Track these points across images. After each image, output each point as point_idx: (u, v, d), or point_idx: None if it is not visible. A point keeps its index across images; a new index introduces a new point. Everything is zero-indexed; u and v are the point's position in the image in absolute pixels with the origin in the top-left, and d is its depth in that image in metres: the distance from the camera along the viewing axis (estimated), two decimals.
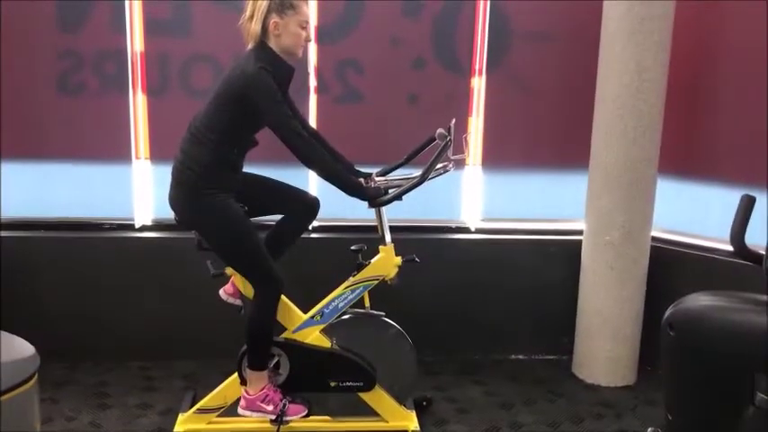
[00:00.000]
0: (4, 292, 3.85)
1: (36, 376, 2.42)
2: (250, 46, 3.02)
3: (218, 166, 3.00)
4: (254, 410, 3.15)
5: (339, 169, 3.07)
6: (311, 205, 3.28)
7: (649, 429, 2.37)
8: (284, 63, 3.02)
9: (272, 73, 2.92)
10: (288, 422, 3.17)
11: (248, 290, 3.15)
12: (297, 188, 3.32)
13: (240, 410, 3.17)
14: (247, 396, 3.15)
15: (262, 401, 3.14)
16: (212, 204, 2.99)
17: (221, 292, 3.28)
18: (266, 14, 2.95)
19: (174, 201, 3.07)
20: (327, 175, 3.00)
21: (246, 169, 3.20)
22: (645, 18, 3.63)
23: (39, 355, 2.47)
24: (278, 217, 3.31)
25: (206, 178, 2.98)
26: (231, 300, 3.28)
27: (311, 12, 3.19)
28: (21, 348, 2.46)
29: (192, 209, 3.04)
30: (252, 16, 2.98)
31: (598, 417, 3.68)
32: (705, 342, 2.05)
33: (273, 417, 3.14)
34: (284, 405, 3.14)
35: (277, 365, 3.19)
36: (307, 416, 3.19)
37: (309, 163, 2.99)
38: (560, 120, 4.26)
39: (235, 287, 3.24)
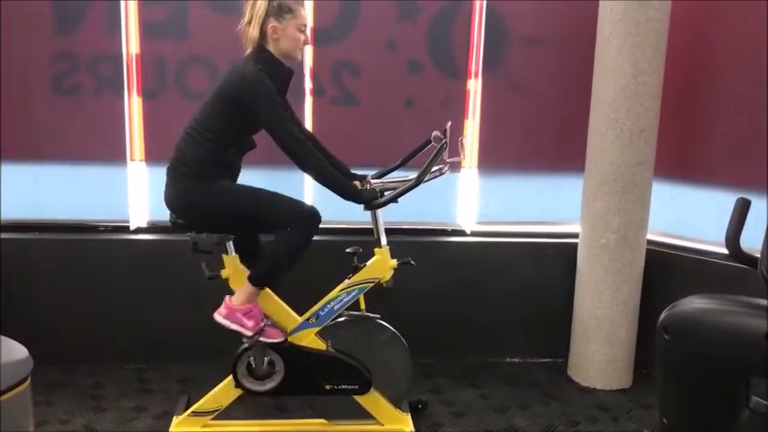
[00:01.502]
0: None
1: (29, 379, 2.42)
2: (249, 50, 3.02)
3: (213, 165, 3.00)
4: (232, 321, 3.05)
5: (334, 173, 3.07)
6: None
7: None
8: (283, 66, 3.04)
9: (271, 76, 2.93)
10: (263, 343, 3.11)
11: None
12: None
13: (217, 316, 3.07)
14: (230, 305, 3.07)
15: (244, 314, 3.05)
16: (208, 188, 3.00)
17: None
18: (264, 19, 2.96)
19: (171, 197, 3.07)
20: (323, 179, 3.01)
21: (244, 171, 3.20)
22: (640, 21, 3.63)
23: (32, 357, 2.46)
24: None
25: (200, 175, 2.98)
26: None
27: (307, 14, 3.19)
28: (14, 351, 2.45)
29: (190, 196, 3.03)
30: (250, 21, 2.99)
31: (593, 420, 3.68)
32: (700, 345, 2.05)
33: (250, 333, 3.06)
34: (264, 324, 3.10)
35: (272, 368, 3.19)
36: (282, 343, 3.14)
37: (305, 167, 3.00)
38: (556, 122, 4.26)
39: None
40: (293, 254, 3.05)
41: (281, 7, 2.97)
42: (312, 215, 3.02)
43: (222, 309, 3.08)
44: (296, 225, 3.02)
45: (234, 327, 3.06)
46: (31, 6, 3.86)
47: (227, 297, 3.09)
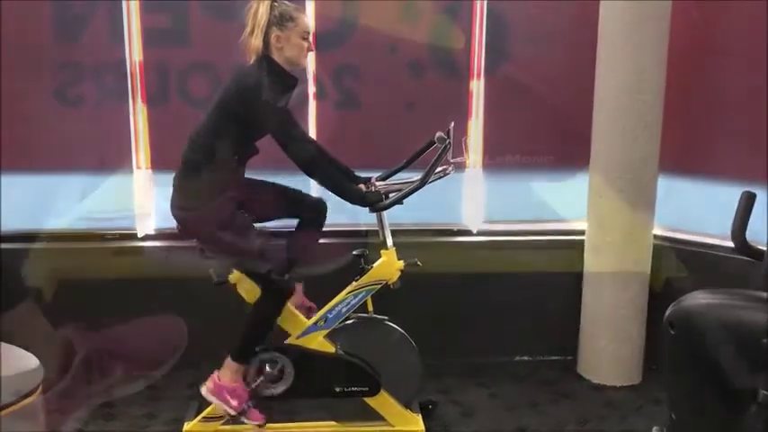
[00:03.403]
0: (5, 304, 3.85)
1: (41, 388, 2.43)
2: (252, 59, 3.03)
3: (218, 174, 3.01)
4: (217, 397, 3.11)
5: (339, 178, 3.09)
6: (317, 207, 3.29)
7: (654, 429, 2.36)
8: (287, 74, 3.04)
9: (274, 84, 2.94)
10: (242, 424, 3.16)
11: (251, 297, 3.16)
12: (301, 192, 3.33)
13: (203, 390, 3.14)
14: (217, 381, 3.13)
15: (229, 393, 3.11)
16: (212, 209, 3.01)
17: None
18: (267, 29, 2.97)
19: (176, 209, 3.09)
20: (328, 184, 3.04)
21: (247, 176, 3.21)
22: (642, 18, 3.63)
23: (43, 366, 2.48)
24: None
25: (203, 189, 3.00)
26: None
27: (309, 21, 3.21)
28: (25, 360, 2.47)
29: (194, 215, 3.05)
30: (252, 31, 2.99)
31: (603, 417, 3.68)
32: (706, 340, 2.05)
33: (232, 413, 3.11)
34: (248, 406, 3.14)
35: (281, 371, 3.20)
36: (262, 426, 3.18)
37: (310, 172, 3.03)
38: (560, 120, 4.25)
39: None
40: (264, 322, 3.13)
41: (283, 16, 2.98)
42: (283, 291, 3.10)
43: (210, 383, 3.15)
44: (269, 292, 3.10)
45: (219, 403, 3.12)
46: (32, 14, 3.87)
47: (216, 373, 3.15)
